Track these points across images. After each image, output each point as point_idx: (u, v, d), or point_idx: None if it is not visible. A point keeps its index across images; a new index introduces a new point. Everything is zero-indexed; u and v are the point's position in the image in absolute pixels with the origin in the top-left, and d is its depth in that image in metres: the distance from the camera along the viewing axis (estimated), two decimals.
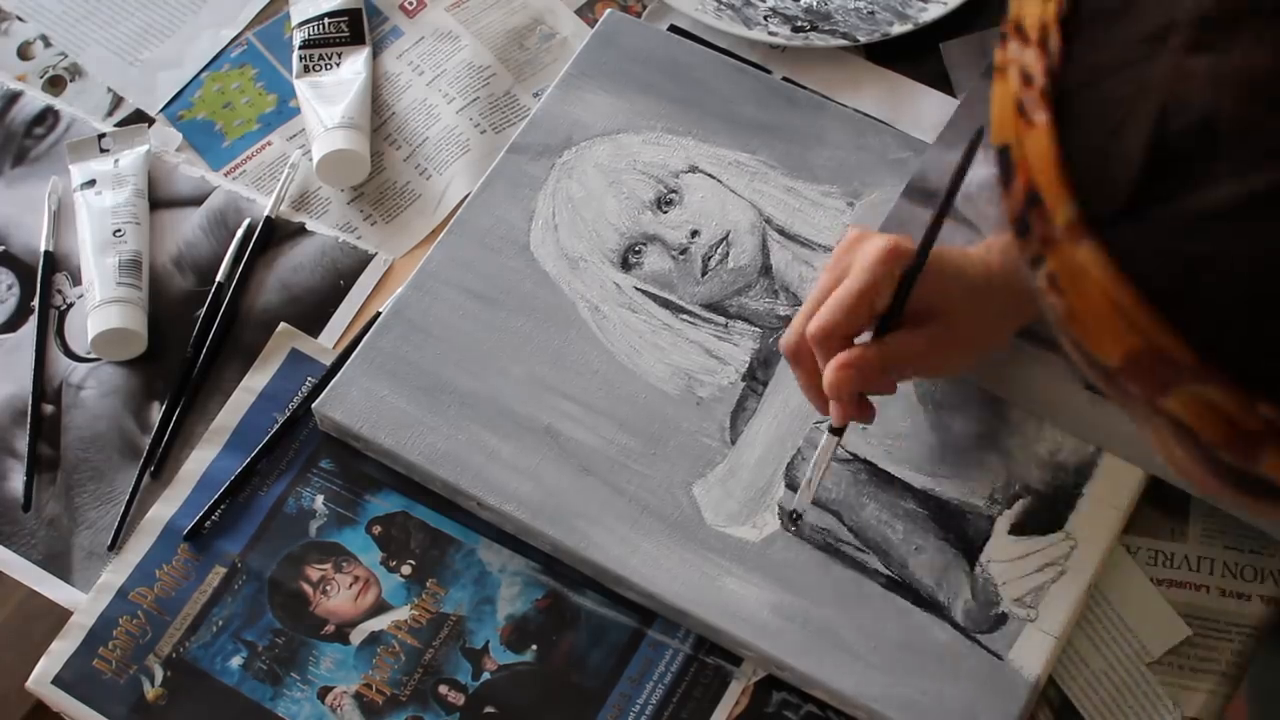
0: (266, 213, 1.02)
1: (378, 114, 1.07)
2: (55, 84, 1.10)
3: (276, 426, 0.95)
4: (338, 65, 1.07)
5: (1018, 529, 0.89)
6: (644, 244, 0.98)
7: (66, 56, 1.11)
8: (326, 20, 1.08)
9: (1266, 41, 0.47)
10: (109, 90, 1.09)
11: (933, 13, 1.06)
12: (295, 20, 1.09)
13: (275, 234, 1.02)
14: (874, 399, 0.85)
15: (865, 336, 0.84)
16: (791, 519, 0.88)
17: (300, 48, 1.07)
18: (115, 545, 0.93)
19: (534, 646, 0.89)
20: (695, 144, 1.01)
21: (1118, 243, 0.49)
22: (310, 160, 1.03)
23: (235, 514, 0.93)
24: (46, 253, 1.02)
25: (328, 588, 0.91)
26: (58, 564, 0.93)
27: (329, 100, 1.04)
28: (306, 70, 1.07)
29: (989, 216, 0.97)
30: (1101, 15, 0.50)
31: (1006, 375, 0.92)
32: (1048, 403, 0.91)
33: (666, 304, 0.96)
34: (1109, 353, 0.51)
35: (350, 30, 1.08)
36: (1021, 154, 0.51)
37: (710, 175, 1.00)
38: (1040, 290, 0.52)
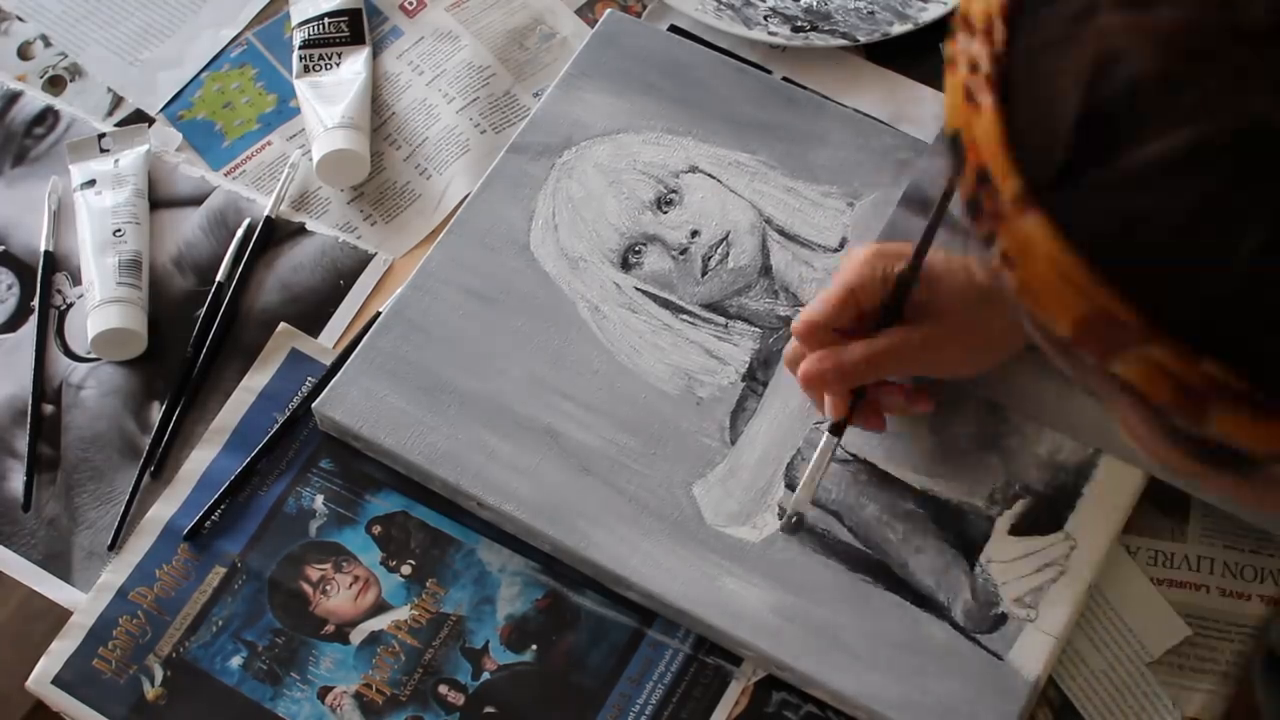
0: (267, 212, 1.02)
1: (378, 114, 1.07)
2: (55, 84, 1.10)
3: (276, 426, 0.95)
4: (338, 65, 1.07)
5: (1017, 529, 0.89)
6: (644, 244, 0.98)
7: (66, 56, 1.11)
8: (326, 20, 1.08)
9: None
10: (109, 90, 1.09)
11: (933, 13, 1.06)
12: (295, 20, 1.09)
13: (275, 234, 1.02)
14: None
15: None
16: (791, 523, 0.88)
17: (300, 47, 1.07)
18: (115, 545, 0.93)
19: (534, 646, 0.89)
20: (695, 144, 1.01)
21: (1059, 209, 0.50)
22: (310, 160, 1.03)
23: (235, 514, 0.93)
24: (46, 253, 1.02)
25: (328, 587, 0.91)
26: (58, 564, 0.93)
27: (329, 100, 1.04)
28: (306, 70, 1.07)
29: None
30: (1039, 1, 0.52)
31: (1012, 385, 0.91)
32: (1053, 409, 0.91)
33: (666, 304, 0.96)
34: (1060, 322, 0.51)
35: (350, 30, 1.08)
36: (971, 137, 0.53)
37: (710, 175, 1.00)
38: (994, 269, 0.53)
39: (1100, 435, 0.89)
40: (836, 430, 0.85)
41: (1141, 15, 0.49)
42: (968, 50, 0.53)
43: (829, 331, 0.85)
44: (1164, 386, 0.50)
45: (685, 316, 0.96)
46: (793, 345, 0.87)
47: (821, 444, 0.86)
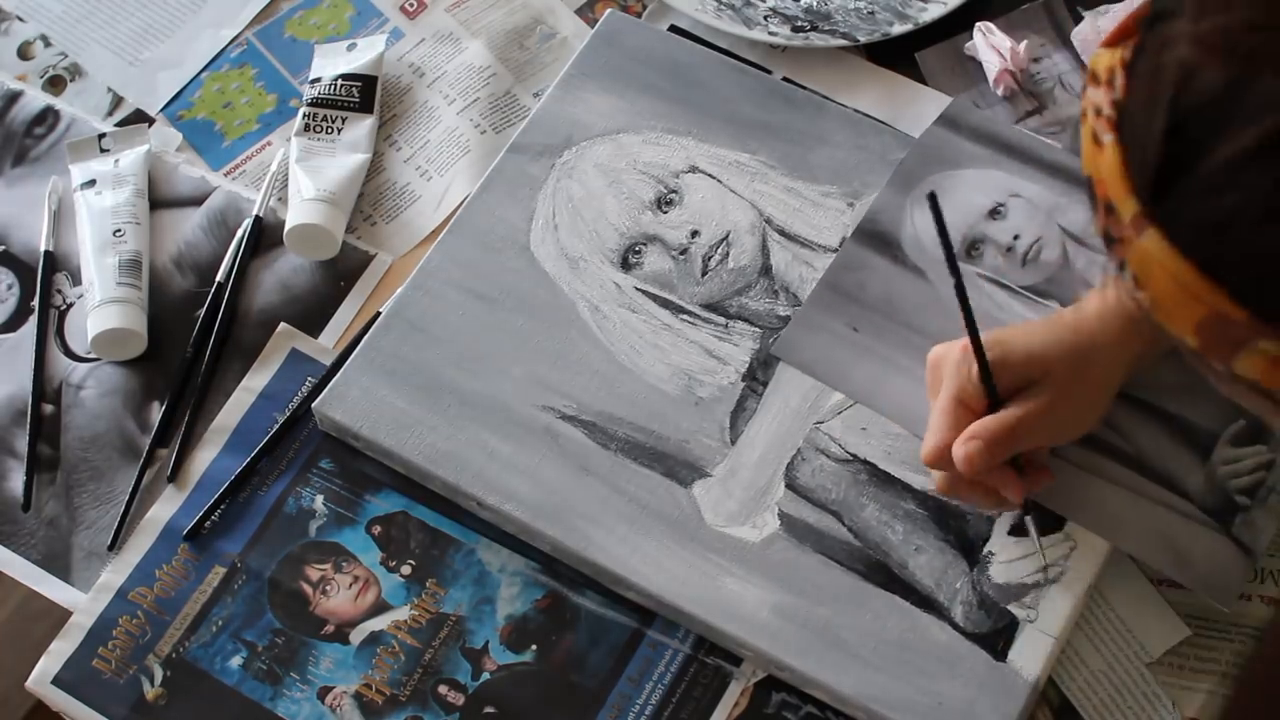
0: (256, 212, 1.02)
1: (381, 113, 1.06)
2: (55, 84, 1.10)
3: (276, 426, 0.95)
4: (339, 132, 1.04)
5: (1017, 529, 0.88)
6: (644, 244, 0.98)
7: (66, 56, 1.11)
8: (340, 82, 1.05)
9: (1235, 4, 0.53)
10: (109, 90, 1.09)
11: (933, 13, 1.06)
12: (312, 75, 1.06)
13: (267, 233, 1.02)
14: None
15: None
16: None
17: (306, 104, 1.05)
18: (115, 545, 0.93)
19: (534, 646, 0.89)
20: (695, 144, 1.01)
21: (1165, 221, 0.55)
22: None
23: (235, 514, 0.93)
24: (46, 253, 1.02)
25: (327, 588, 0.91)
26: (58, 564, 0.93)
27: (316, 170, 1.02)
28: (306, 129, 1.04)
29: (938, 262, 0.96)
30: (1144, 49, 0.57)
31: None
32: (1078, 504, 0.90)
33: (666, 304, 0.96)
34: (1185, 329, 0.57)
35: (361, 97, 1.05)
36: (1098, 174, 0.58)
37: (710, 175, 1.00)
38: (1130, 292, 0.58)
39: (1114, 527, 0.89)
40: (1027, 509, 0.86)
41: (1207, 26, 0.53)
42: (1093, 100, 0.58)
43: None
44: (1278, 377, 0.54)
45: (685, 316, 0.96)
46: (937, 477, 0.87)
47: (1030, 528, 0.86)
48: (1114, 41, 0.60)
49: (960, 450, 0.83)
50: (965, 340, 0.85)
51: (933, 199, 0.80)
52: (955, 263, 0.82)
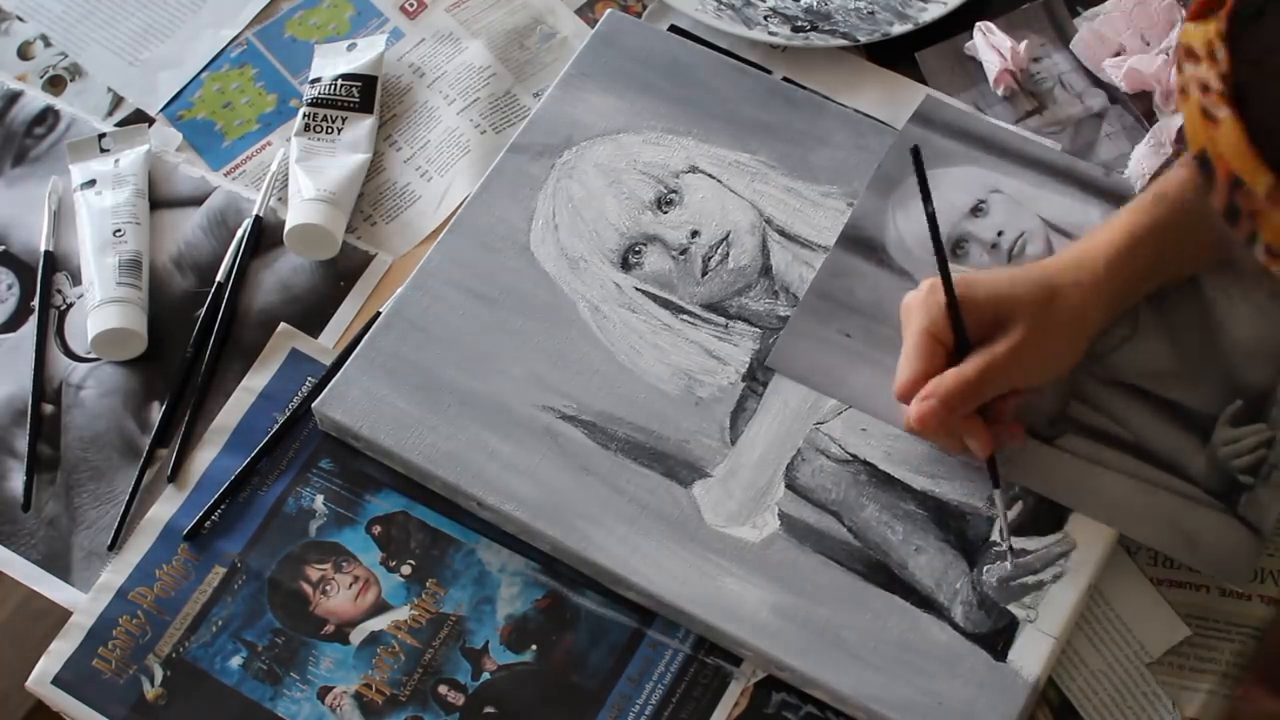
0: (256, 211, 1.02)
1: (381, 113, 1.06)
2: (55, 84, 1.10)
3: (276, 426, 0.95)
4: (339, 132, 1.04)
5: (1017, 530, 0.88)
6: (644, 244, 0.98)
7: (66, 56, 1.11)
8: (340, 82, 1.05)
9: None
10: (109, 90, 1.09)
11: (933, 13, 1.06)
12: (312, 75, 1.07)
13: (268, 233, 1.02)
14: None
15: None
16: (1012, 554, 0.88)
17: (306, 104, 1.05)
18: (115, 545, 0.93)
19: (534, 646, 0.89)
20: (695, 144, 1.01)
21: None
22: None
23: (235, 514, 0.93)
24: (46, 253, 1.02)
25: (327, 588, 0.91)
26: (57, 564, 0.93)
27: (316, 170, 1.02)
28: (306, 129, 1.04)
29: (924, 263, 0.96)
30: (1250, 19, 0.57)
31: (1037, 468, 0.91)
32: (1078, 491, 0.90)
33: (666, 304, 0.96)
34: None
35: (361, 97, 1.05)
36: (1216, 150, 0.58)
37: (710, 175, 1.00)
38: (1261, 264, 0.59)
39: (1122, 515, 0.89)
40: (995, 481, 0.87)
41: None
42: (1196, 75, 0.59)
43: (927, 382, 0.86)
44: None
45: (685, 316, 0.96)
46: (908, 412, 0.88)
47: (998, 502, 0.87)
48: (1199, 15, 0.60)
49: (915, 408, 0.86)
50: (933, 279, 0.86)
51: (915, 152, 0.82)
52: (928, 191, 0.84)
